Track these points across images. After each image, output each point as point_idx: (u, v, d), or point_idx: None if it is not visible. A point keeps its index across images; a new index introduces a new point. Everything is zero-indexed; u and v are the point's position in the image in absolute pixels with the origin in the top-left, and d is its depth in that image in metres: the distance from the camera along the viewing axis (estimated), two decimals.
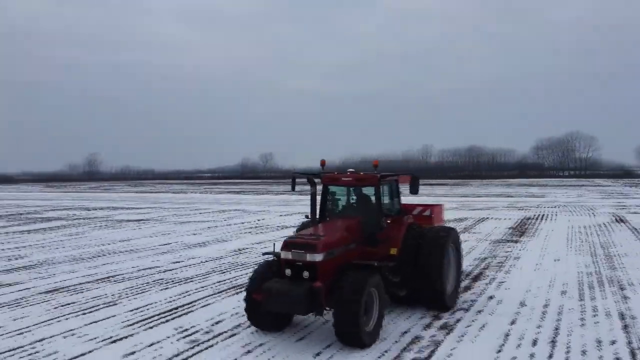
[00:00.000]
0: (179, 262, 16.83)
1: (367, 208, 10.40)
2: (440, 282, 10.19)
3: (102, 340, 9.23)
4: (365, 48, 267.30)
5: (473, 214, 31.78)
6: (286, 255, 8.85)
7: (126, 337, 9.38)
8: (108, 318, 10.55)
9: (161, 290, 12.93)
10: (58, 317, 10.69)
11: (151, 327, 9.95)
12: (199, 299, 11.97)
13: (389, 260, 9.91)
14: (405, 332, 9.47)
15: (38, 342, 9.20)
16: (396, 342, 8.97)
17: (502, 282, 13.52)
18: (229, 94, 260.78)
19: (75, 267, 16.17)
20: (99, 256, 18.10)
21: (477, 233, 23.14)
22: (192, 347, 8.85)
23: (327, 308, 8.67)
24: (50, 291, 12.94)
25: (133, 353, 8.61)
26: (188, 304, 11.60)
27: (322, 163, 10.90)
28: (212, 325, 10.05)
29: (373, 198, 10.26)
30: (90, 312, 11.03)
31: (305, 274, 8.63)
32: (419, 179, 10.35)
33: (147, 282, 13.78)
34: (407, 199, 11.77)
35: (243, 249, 19.48)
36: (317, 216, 10.48)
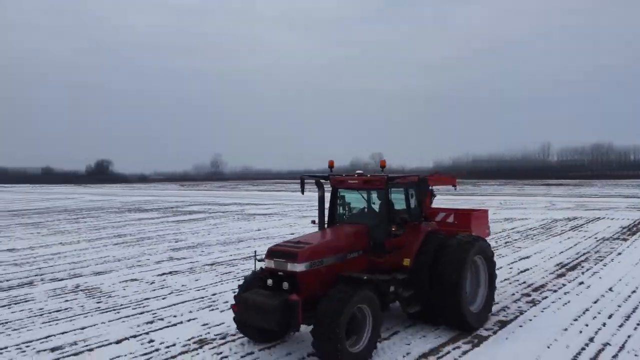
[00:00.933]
0: None
1: (375, 213, 9.63)
2: (457, 299, 8.96)
3: None
4: (459, 45, 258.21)
5: (587, 214, 31.53)
6: (269, 263, 8.23)
7: None
8: None
9: None
10: (222, 280, 14.22)
11: None
12: None
13: (403, 271, 9.09)
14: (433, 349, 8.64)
15: (213, 295, 12.66)
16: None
17: (596, 272, 14.72)
18: (327, 96, 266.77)
19: (224, 248, 20.08)
20: (240, 241, 21.93)
21: (585, 231, 23.61)
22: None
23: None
24: (211, 264, 16.70)
25: None
26: None
27: (331, 164, 10.15)
28: None
29: (383, 202, 9.44)
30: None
31: (285, 285, 7.94)
32: (427, 181, 9.58)
33: None
34: (454, 202, 13.46)
35: None
36: (327, 221, 9.97)
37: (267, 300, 7.70)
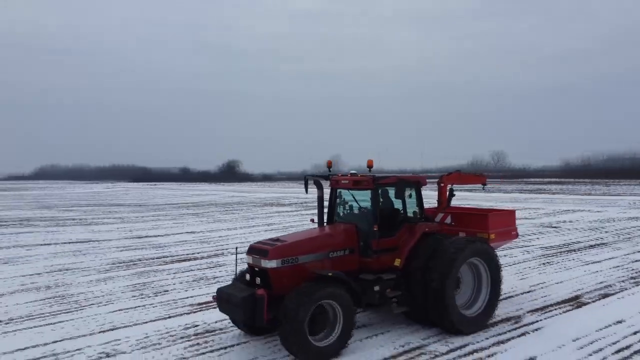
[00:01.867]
0: None
1: (364, 213, 9.66)
2: (442, 302, 8.85)
3: None
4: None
5: None
6: (248, 259, 8.68)
7: None
8: None
9: None
10: None
11: None
12: None
13: (393, 271, 9.20)
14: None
15: None
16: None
17: None
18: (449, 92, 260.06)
19: None
20: None
21: None
22: None
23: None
24: None
25: None
26: None
27: (329, 164, 10.50)
28: None
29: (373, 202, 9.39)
30: None
31: (257, 280, 8.41)
32: (404, 182, 9.47)
33: None
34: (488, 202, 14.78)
35: None
36: (325, 220, 10.18)
37: (237, 294, 8.20)
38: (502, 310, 10.71)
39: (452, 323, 8.97)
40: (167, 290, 13.31)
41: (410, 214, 10.03)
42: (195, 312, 11.28)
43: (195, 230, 26.61)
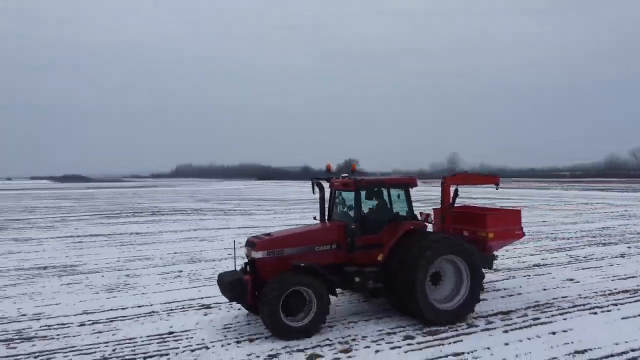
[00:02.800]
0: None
1: (350, 213, 10.50)
2: (413, 295, 9.50)
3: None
4: None
5: None
6: (244, 250, 10.15)
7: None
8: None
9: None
10: None
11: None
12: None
13: (376, 265, 10.01)
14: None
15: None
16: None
17: None
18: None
19: None
20: None
21: None
22: None
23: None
24: None
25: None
26: None
27: (328, 167, 11.33)
28: None
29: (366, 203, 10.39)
30: None
31: (248, 268, 9.84)
32: (383, 184, 10.49)
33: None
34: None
35: (605, 227, 25.23)
36: (324, 218, 11.06)
37: (228, 278, 9.60)
38: None
39: (423, 315, 9.59)
40: None
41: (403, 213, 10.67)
42: None
43: None
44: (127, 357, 8.48)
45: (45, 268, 16.74)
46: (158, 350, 8.78)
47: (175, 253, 19.23)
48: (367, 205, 10.54)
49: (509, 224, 11.64)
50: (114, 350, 8.84)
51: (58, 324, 10.43)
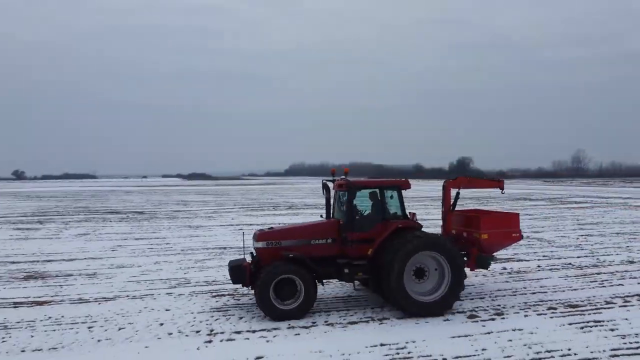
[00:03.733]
0: None
1: (344, 211, 11.40)
2: (393, 286, 10.31)
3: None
4: None
5: None
6: (252, 241, 11.45)
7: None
8: None
9: None
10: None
11: None
12: None
13: (365, 259, 10.90)
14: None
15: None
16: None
17: None
18: None
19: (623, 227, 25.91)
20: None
21: None
22: None
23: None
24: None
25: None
26: None
27: (332, 171, 12.35)
28: None
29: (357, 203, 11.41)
30: None
31: (253, 256, 11.52)
32: (354, 187, 11.20)
33: None
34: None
35: None
36: (327, 216, 12.25)
37: (232, 264, 11.18)
38: None
39: (401, 305, 10.51)
40: None
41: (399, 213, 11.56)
42: None
43: None
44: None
45: (224, 248, 20.59)
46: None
47: None
48: (362, 205, 11.66)
49: (504, 227, 11.99)
50: None
51: None
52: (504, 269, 15.69)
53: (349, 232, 10.99)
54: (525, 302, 11.63)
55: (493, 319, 10.42)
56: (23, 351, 8.98)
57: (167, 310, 11.49)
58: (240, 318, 10.71)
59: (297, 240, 11.16)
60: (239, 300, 12.18)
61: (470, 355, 8.47)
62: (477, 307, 11.27)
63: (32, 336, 9.75)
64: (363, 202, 11.67)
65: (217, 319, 10.68)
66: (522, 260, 17.02)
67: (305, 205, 43.78)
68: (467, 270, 11.46)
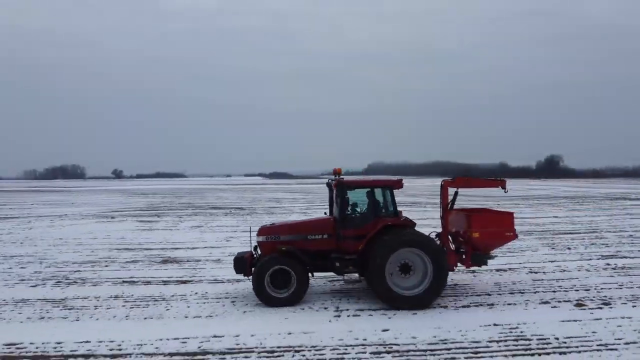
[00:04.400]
0: None
1: (337, 209, 12.10)
2: (375, 280, 11.08)
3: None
4: None
5: None
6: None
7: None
8: None
9: None
10: None
11: None
12: None
13: (355, 253, 11.61)
14: None
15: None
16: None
17: None
18: None
19: None
20: None
21: None
22: None
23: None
24: None
25: None
26: None
27: (335, 171, 12.59)
28: None
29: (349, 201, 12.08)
30: None
31: (255, 249, 12.45)
32: (343, 186, 11.86)
33: None
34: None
35: None
36: (330, 214, 12.90)
37: (237, 256, 12.30)
38: None
39: (382, 298, 11.23)
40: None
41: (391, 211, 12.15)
42: None
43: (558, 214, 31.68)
44: None
45: None
46: None
47: None
48: (361, 204, 12.37)
49: (496, 226, 12.05)
50: None
51: None
52: (608, 264, 15.88)
53: (342, 228, 11.82)
54: (633, 295, 12.01)
55: (600, 308, 11.01)
56: (186, 317, 10.90)
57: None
58: (359, 299, 12.04)
59: (295, 235, 12.09)
60: (354, 285, 13.52)
61: (582, 337, 9.21)
62: (583, 297, 11.87)
63: (188, 307, 11.68)
64: (361, 201, 12.40)
65: (339, 299, 12.08)
66: (626, 257, 17.04)
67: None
68: (485, 266, 12.21)
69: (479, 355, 8.48)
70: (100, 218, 33.79)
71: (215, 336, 9.53)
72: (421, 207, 38.91)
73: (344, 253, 11.80)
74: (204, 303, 12.01)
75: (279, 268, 11.50)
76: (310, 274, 11.98)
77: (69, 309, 11.60)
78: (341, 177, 12.31)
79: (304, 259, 11.71)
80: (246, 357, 8.56)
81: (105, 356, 8.69)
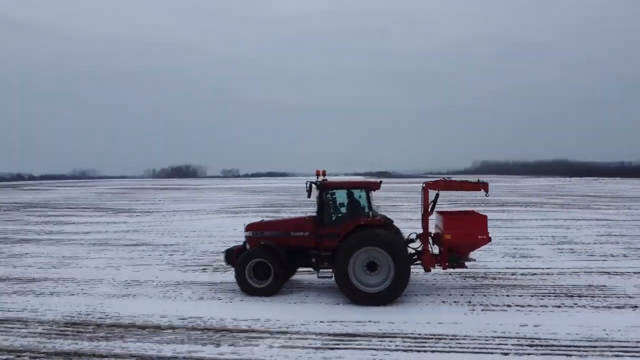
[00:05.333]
0: None
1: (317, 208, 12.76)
2: (338, 277, 11.65)
3: None
4: None
5: None
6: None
7: None
8: None
9: None
10: None
11: None
12: None
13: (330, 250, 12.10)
14: None
15: None
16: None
17: None
18: None
19: None
20: None
21: None
22: None
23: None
24: None
25: None
26: None
27: (317, 173, 13.17)
28: None
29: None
30: None
31: (244, 243, 13.42)
32: (323, 187, 12.65)
33: None
34: None
35: None
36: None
37: (227, 248, 13.55)
38: None
39: (344, 293, 11.76)
40: None
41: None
42: None
43: None
44: None
45: None
46: None
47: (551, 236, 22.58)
48: (340, 203, 12.99)
49: (469, 228, 11.99)
50: None
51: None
52: None
53: (321, 227, 12.49)
54: None
55: None
56: (320, 303, 11.86)
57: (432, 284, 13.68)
58: (488, 295, 12.30)
59: (278, 232, 13.01)
60: (490, 279, 13.70)
61: None
62: None
63: (323, 293, 12.68)
64: (345, 201, 12.98)
65: (472, 294, 12.45)
66: None
67: (525, 203, 42.96)
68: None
69: (626, 355, 8.45)
70: (225, 213, 36.47)
71: (370, 321, 10.36)
72: (538, 207, 37.19)
73: (322, 250, 12.42)
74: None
75: (259, 261, 12.43)
76: (293, 269, 13.31)
77: (222, 292, 13.12)
78: (324, 178, 13.19)
79: (281, 253, 12.57)
80: (391, 341, 9.27)
81: (271, 332, 9.91)
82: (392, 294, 11.57)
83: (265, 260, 12.39)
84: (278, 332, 9.83)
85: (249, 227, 13.46)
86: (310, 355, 8.68)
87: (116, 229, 27.46)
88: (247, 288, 12.54)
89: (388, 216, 13.53)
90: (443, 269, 12.67)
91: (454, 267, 12.53)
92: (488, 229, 12.01)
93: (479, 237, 11.97)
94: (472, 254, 12.60)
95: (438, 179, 13.09)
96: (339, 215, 12.80)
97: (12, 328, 10.41)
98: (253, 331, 9.95)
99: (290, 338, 9.53)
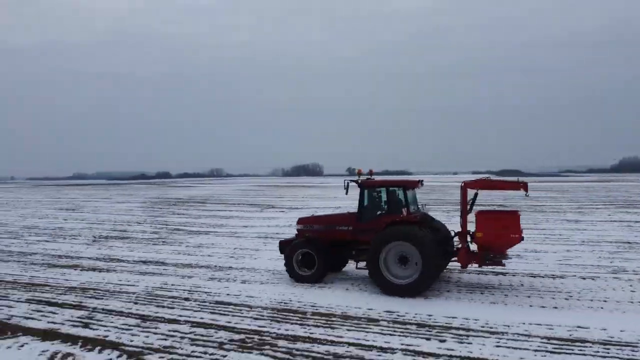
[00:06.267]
0: None
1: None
2: (371, 270, 12.36)
3: None
4: None
5: None
6: None
7: None
8: None
9: None
10: None
11: None
12: None
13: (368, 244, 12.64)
14: None
15: None
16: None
17: None
18: None
19: None
20: None
21: None
22: None
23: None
24: None
25: None
26: None
27: (359, 171, 14.13)
28: None
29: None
30: None
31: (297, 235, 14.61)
32: (360, 184, 13.66)
33: None
34: None
35: None
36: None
37: (281, 240, 15.06)
38: None
39: (377, 284, 12.45)
40: None
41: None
42: None
43: None
44: None
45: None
46: None
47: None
48: (380, 200, 13.64)
49: (500, 227, 11.94)
50: None
51: None
52: None
53: (360, 222, 13.36)
54: None
55: None
56: (505, 304, 11.42)
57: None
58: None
59: (325, 225, 14.04)
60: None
61: None
62: None
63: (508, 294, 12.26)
64: (384, 199, 13.56)
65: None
66: None
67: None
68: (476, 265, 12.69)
69: None
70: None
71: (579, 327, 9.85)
72: None
73: (361, 244, 13.21)
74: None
75: (305, 252, 13.63)
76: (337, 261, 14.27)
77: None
78: (366, 176, 14.16)
79: (324, 245, 13.69)
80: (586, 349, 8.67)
81: (476, 330, 9.76)
82: (418, 286, 11.91)
83: (311, 251, 13.56)
84: (493, 332, 9.64)
85: (300, 221, 14.71)
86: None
87: (277, 223, 28.98)
88: (294, 275, 13.85)
89: (430, 214, 14.26)
90: (479, 266, 12.98)
91: (487, 265, 12.62)
92: (521, 226, 11.95)
93: (511, 235, 11.88)
94: (509, 252, 12.54)
95: (479, 178, 13.20)
96: (378, 212, 13.50)
97: (241, 310, 11.43)
98: (448, 327, 9.99)
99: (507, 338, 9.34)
